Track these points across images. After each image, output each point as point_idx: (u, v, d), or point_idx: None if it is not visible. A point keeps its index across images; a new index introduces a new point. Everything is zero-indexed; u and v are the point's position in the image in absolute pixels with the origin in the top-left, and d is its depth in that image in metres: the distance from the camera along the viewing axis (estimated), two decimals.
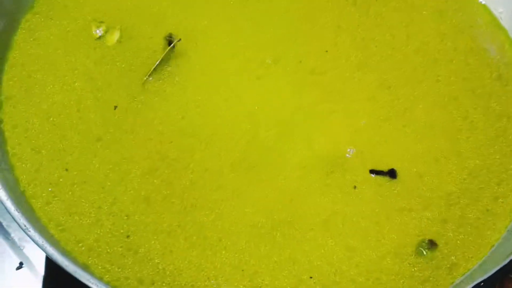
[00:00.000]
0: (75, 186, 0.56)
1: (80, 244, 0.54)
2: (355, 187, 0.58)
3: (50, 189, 0.56)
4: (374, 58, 0.67)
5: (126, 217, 0.55)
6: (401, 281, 0.54)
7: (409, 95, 0.65)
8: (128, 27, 0.67)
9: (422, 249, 0.55)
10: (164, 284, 0.52)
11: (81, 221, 0.55)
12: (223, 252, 0.54)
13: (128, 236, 0.54)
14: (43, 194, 0.56)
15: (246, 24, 0.68)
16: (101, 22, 0.66)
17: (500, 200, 0.59)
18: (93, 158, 0.58)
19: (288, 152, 0.60)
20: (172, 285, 0.52)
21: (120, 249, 0.54)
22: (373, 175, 0.59)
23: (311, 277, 0.54)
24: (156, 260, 0.53)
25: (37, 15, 0.66)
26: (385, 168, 0.59)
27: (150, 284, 0.52)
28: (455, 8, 0.72)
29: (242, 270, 0.53)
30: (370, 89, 0.65)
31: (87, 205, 0.55)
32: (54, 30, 0.66)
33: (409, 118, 0.63)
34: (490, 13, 0.72)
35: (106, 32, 0.65)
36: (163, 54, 0.63)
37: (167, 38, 0.65)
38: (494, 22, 0.72)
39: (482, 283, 0.50)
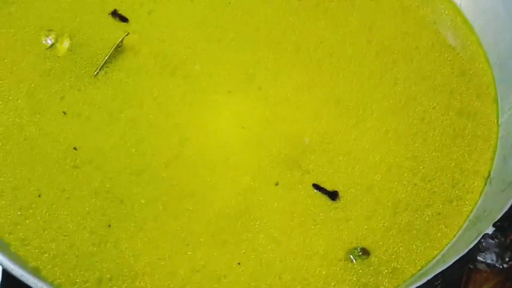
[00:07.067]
0: (54, 206, 0.56)
1: (46, 255, 0.54)
2: (277, 183, 0.59)
3: (19, 213, 0.56)
4: (323, 76, 0.65)
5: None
6: (332, 284, 0.54)
7: (362, 104, 0.63)
8: (77, 33, 0.66)
9: (352, 256, 0.55)
10: (120, 276, 0.53)
11: (57, 235, 0.55)
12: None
13: (109, 226, 0.55)
14: (9, 216, 0.56)
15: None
16: (50, 30, 0.65)
17: (454, 203, 0.58)
18: (65, 184, 0.57)
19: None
20: (128, 275, 0.54)
21: (91, 247, 0.54)
22: (316, 191, 0.58)
23: (239, 263, 0.55)
24: (123, 247, 0.54)
25: None
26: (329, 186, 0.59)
27: (108, 281, 0.53)
28: (418, 4, 0.71)
29: (187, 245, 0.55)
30: (314, 107, 0.63)
31: (68, 221, 0.56)
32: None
33: (360, 130, 0.62)
34: (454, 6, 0.71)
35: (56, 41, 0.65)
36: (111, 50, 0.63)
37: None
38: (458, 15, 0.71)
39: (441, 275, 0.50)
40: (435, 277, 0.50)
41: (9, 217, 0.56)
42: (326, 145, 0.61)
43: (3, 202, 0.57)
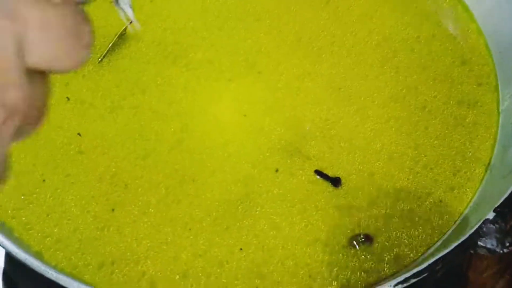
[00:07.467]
0: (58, 190, 0.57)
1: (48, 239, 0.55)
2: (277, 170, 0.59)
3: (22, 197, 0.57)
4: (324, 64, 0.66)
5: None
6: (334, 269, 0.54)
7: (363, 92, 0.63)
8: None
9: (355, 242, 0.55)
10: (123, 260, 0.54)
11: (60, 220, 0.56)
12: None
13: (113, 210, 0.56)
14: (12, 200, 0.56)
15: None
16: None
17: (455, 190, 0.59)
18: (70, 169, 0.58)
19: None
20: (130, 259, 0.54)
21: (94, 231, 0.55)
22: (318, 177, 0.58)
23: (241, 249, 0.55)
24: (126, 231, 0.55)
25: None
26: (330, 172, 0.59)
27: (110, 264, 0.54)
28: None
29: (189, 230, 0.56)
30: (315, 94, 0.64)
31: (72, 205, 0.56)
32: None
33: (362, 117, 0.62)
34: None
35: None
36: (114, 38, 0.64)
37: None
38: (459, 4, 0.71)
39: (442, 260, 0.50)
40: (436, 261, 0.50)
41: (13, 201, 0.57)
42: (327, 131, 0.61)
43: (6, 187, 0.57)
